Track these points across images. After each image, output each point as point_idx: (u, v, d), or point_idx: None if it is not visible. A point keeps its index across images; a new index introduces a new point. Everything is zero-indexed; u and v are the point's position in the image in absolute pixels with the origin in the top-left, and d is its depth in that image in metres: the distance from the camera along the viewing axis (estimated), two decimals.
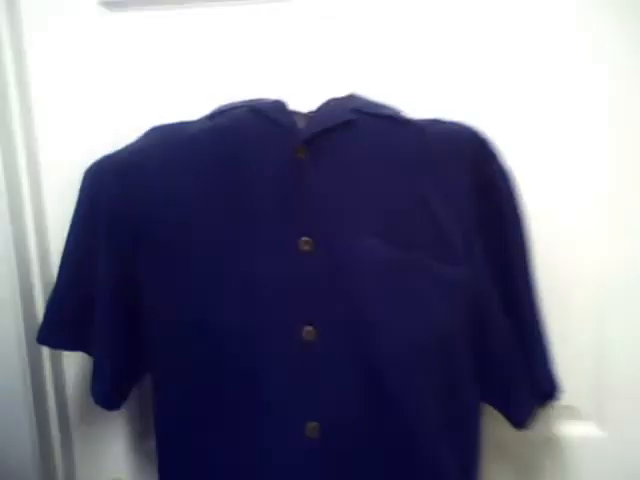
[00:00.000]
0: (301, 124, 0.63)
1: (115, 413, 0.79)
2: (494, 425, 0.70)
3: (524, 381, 0.67)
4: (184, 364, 0.62)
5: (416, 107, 0.69)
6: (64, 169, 0.77)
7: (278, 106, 0.63)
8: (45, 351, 0.81)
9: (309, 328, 0.59)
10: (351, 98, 0.66)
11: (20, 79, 0.77)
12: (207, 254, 0.61)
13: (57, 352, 0.81)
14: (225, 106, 0.67)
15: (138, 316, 0.65)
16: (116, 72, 0.77)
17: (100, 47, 0.77)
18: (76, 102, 0.77)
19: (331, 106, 0.64)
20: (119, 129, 0.76)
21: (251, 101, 0.65)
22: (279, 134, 0.62)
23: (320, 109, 0.64)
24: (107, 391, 0.68)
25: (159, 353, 0.65)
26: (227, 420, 0.61)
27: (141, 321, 0.65)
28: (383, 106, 0.67)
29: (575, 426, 0.80)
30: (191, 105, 0.73)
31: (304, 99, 0.65)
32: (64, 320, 0.69)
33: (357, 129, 0.63)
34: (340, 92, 0.66)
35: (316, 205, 0.61)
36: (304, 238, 0.60)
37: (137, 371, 0.70)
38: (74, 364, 0.81)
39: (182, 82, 0.76)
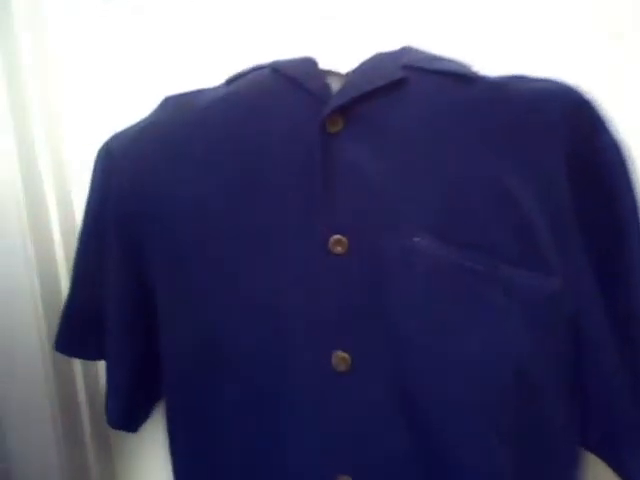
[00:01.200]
0: (336, 87, 0.49)
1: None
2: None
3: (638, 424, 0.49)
4: (191, 393, 0.51)
5: None
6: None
7: (306, 65, 0.49)
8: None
9: (341, 354, 0.46)
10: (404, 51, 0.50)
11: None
12: (218, 261, 0.49)
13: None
14: (247, 69, 0.54)
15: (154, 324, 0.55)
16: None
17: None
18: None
19: (376, 62, 0.49)
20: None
21: (276, 62, 0.52)
22: (306, 102, 0.48)
23: (361, 66, 0.49)
24: (121, 409, 0.58)
25: (171, 371, 0.54)
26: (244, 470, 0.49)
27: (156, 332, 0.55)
28: (446, 60, 0.51)
29: None
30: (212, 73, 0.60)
31: (342, 56, 0.50)
32: (79, 326, 0.60)
33: (409, 91, 0.48)
34: (388, 46, 0.51)
35: (351, 193, 0.47)
36: (336, 236, 0.46)
37: (156, 385, 0.60)
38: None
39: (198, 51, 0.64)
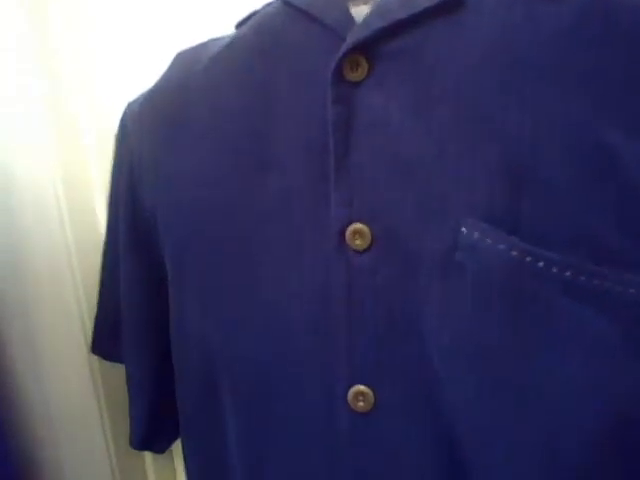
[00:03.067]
0: (359, 19, 0.35)
1: None
2: None
3: None
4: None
5: None
6: None
7: None
8: None
9: (361, 389, 0.33)
10: None
11: None
12: (213, 258, 0.39)
13: None
14: (259, 8, 0.41)
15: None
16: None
17: None
18: None
19: None
20: None
21: None
22: (322, 39, 0.35)
23: None
24: (144, 429, 0.50)
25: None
26: None
27: None
28: None
29: None
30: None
31: None
32: (109, 327, 0.53)
33: (466, 17, 0.33)
34: None
35: (377, 167, 0.33)
36: (355, 225, 0.33)
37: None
38: None
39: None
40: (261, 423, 0.37)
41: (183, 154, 0.41)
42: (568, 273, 0.29)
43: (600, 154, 0.30)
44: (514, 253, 0.30)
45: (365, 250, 0.33)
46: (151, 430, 0.50)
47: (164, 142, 0.42)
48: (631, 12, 0.31)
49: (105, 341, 0.54)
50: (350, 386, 0.33)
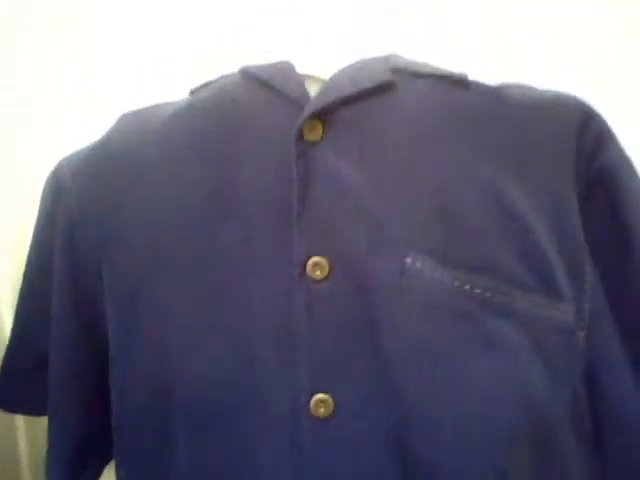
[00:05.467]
0: (313, 92, 0.43)
1: None
2: None
3: None
4: (142, 454, 0.43)
5: None
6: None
7: (282, 68, 0.44)
8: None
9: (321, 396, 0.38)
10: (391, 57, 0.45)
11: None
12: (178, 297, 0.42)
13: None
14: (214, 78, 0.48)
15: (103, 369, 0.47)
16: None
17: None
18: None
19: (361, 65, 0.44)
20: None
21: (247, 66, 0.46)
22: (281, 108, 0.42)
23: (344, 69, 0.43)
24: (63, 473, 0.49)
25: (120, 430, 0.45)
26: None
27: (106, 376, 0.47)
28: (437, 67, 0.46)
29: None
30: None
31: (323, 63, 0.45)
32: (21, 377, 0.51)
33: (398, 96, 0.42)
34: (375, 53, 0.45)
35: (332, 210, 0.40)
36: (314, 259, 0.39)
37: (105, 445, 0.51)
38: None
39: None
40: (219, 441, 0.41)
41: (136, 210, 0.44)
42: (488, 294, 0.38)
43: (503, 205, 0.40)
44: (446, 279, 0.38)
45: (323, 279, 0.39)
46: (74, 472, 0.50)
47: (113, 199, 0.45)
48: (517, 104, 0.42)
49: (15, 390, 0.53)
50: (312, 395, 0.38)
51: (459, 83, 0.43)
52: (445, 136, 0.41)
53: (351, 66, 0.43)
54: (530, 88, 0.45)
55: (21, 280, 0.51)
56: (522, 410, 0.37)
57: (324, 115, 0.41)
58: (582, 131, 0.42)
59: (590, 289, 0.41)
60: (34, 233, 0.50)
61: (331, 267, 0.39)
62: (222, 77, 0.47)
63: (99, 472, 0.52)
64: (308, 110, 0.40)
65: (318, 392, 0.38)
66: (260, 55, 0.46)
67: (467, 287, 0.38)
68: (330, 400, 0.38)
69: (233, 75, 0.46)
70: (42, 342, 0.49)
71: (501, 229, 0.39)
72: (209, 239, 0.42)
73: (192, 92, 0.48)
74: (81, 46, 0.62)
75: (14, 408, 0.54)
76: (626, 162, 0.43)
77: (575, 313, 0.40)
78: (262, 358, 0.39)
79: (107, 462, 0.52)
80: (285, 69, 0.44)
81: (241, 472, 0.40)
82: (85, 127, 0.59)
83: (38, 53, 0.61)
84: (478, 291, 0.38)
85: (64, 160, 0.49)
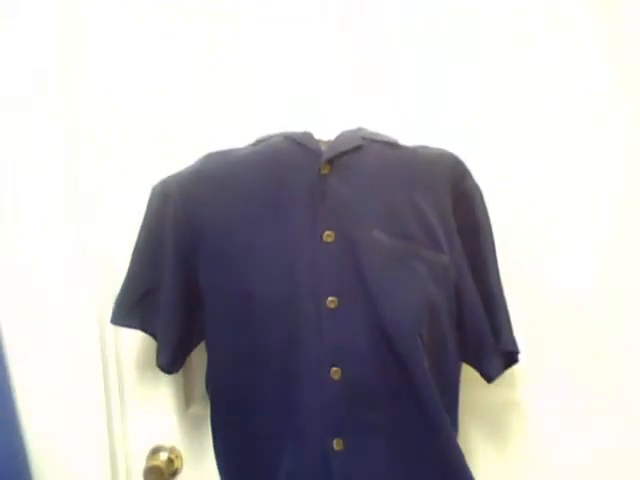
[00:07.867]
0: (324, 148, 0.84)
1: (164, 383, 0.98)
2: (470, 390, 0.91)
3: (493, 344, 0.87)
4: (235, 330, 0.82)
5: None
6: None
7: (307, 135, 0.85)
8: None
9: (332, 298, 0.80)
10: (359, 130, 0.88)
11: None
12: (255, 250, 0.82)
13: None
14: (264, 136, 0.89)
15: (195, 297, 0.85)
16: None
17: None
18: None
19: (345, 135, 0.86)
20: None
21: (287, 132, 0.87)
22: (308, 156, 0.84)
23: (338, 137, 0.86)
24: (170, 358, 0.87)
25: (216, 321, 0.84)
26: (269, 368, 0.81)
27: (198, 300, 0.85)
28: (383, 135, 0.89)
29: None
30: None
31: (323, 132, 0.87)
32: (131, 305, 0.88)
33: (365, 152, 0.85)
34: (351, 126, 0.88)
35: (336, 207, 0.82)
36: (327, 232, 0.81)
37: (192, 341, 0.89)
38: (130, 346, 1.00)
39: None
40: (281, 323, 0.81)
41: (219, 210, 0.84)
42: (409, 249, 0.82)
43: (416, 208, 0.83)
44: (391, 242, 0.81)
45: (332, 242, 0.81)
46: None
47: (203, 200, 0.84)
48: (423, 156, 0.87)
49: (128, 313, 0.88)
50: (327, 296, 0.80)
51: (395, 146, 0.87)
52: (389, 175, 0.85)
53: (341, 135, 0.86)
54: (428, 147, 0.88)
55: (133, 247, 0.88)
56: (425, 301, 0.81)
57: (331, 160, 0.83)
58: (454, 170, 0.87)
59: (457, 248, 0.85)
60: (144, 221, 0.87)
61: (336, 236, 0.81)
62: (271, 136, 0.87)
63: (186, 357, 0.91)
64: (323, 158, 0.82)
65: (331, 295, 0.80)
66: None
67: (399, 247, 0.81)
68: (337, 300, 0.80)
69: (278, 135, 0.87)
70: (148, 280, 0.87)
71: (415, 218, 0.83)
72: (272, 221, 0.82)
73: (254, 144, 0.88)
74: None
75: (124, 324, 0.90)
76: (477, 188, 0.88)
77: (450, 259, 0.84)
78: (301, 279, 0.80)
79: (192, 349, 0.91)
80: (308, 135, 0.85)
81: (292, 343, 0.80)
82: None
83: None
84: (404, 248, 0.81)
85: (169, 177, 0.87)
